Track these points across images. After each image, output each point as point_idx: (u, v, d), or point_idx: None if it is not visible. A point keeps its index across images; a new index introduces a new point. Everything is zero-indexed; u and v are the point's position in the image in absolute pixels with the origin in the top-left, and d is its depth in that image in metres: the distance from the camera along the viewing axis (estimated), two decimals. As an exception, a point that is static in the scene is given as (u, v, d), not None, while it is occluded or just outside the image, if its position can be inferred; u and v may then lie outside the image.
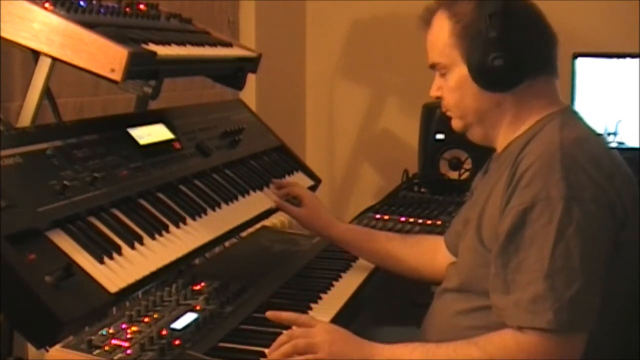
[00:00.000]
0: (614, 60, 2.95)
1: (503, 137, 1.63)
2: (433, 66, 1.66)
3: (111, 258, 1.44)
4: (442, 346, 1.50)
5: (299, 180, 2.27)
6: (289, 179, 2.23)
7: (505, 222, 1.46)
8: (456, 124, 1.67)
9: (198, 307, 1.64)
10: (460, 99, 1.62)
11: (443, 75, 1.64)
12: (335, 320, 1.71)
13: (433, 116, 2.87)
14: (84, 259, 1.40)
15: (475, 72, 1.56)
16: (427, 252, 1.94)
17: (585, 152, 1.48)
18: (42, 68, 1.65)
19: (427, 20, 1.66)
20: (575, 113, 1.66)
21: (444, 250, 1.87)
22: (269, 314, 1.56)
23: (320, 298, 1.81)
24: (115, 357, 1.39)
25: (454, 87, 1.62)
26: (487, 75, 1.55)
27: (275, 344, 1.50)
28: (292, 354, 1.48)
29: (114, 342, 1.43)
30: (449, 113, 1.68)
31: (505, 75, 1.54)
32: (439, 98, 1.68)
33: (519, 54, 1.54)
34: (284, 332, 1.55)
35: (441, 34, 1.61)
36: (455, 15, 1.59)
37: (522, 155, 1.50)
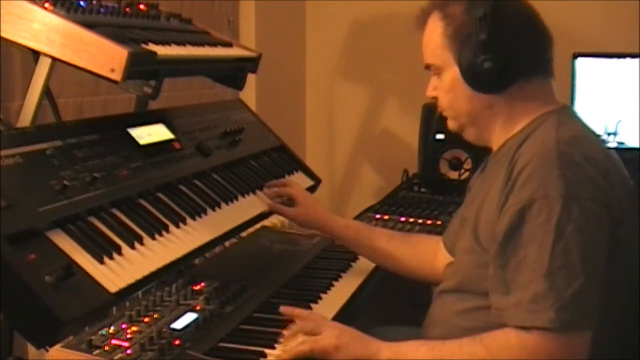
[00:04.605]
0: (614, 60, 2.94)
1: (497, 138, 1.63)
2: (428, 67, 1.67)
3: (111, 258, 1.44)
4: (447, 343, 1.50)
5: (299, 180, 2.26)
6: (288, 179, 2.23)
7: (503, 222, 1.46)
8: (451, 125, 1.69)
9: (198, 307, 1.64)
10: (454, 100, 1.64)
11: (438, 75, 1.65)
12: (335, 320, 1.70)
13: (433, 116, 2.86)
14: (84, 259, 1.40)
15: (466, 74, 1.57)
16: (427, 253, 1.93)
17: (581, 151, 1.48)
18: (42, 68, 1.65)
19: (422, 21, 1.67)
20: (572, 112, 1.66)
21: (443, 250, 1.87)
22: (283, 308, 1.64)
23: (320, 298, 1.81)
24: (115, 357, 1.39)
25: (448, 88, 1.63)
26: (477, 77, 1.56)
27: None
28: (299, 334, 1.55)
29: (114, 342, 1.44)
30: (444, 113, 1.69)
31: (495, 77, 1.54)
32: (435, 98, 1.69)
33: (508, 56, 1.54)
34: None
35: (434, 35, 1.63)
36: (447, 17, 1.60)
37: (518, 154, 1.50)
